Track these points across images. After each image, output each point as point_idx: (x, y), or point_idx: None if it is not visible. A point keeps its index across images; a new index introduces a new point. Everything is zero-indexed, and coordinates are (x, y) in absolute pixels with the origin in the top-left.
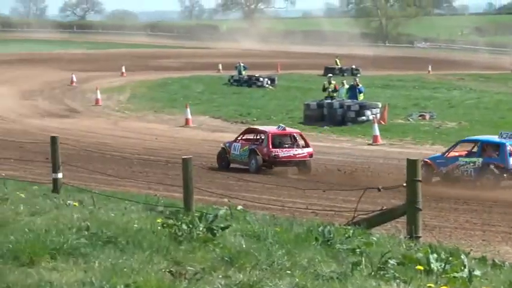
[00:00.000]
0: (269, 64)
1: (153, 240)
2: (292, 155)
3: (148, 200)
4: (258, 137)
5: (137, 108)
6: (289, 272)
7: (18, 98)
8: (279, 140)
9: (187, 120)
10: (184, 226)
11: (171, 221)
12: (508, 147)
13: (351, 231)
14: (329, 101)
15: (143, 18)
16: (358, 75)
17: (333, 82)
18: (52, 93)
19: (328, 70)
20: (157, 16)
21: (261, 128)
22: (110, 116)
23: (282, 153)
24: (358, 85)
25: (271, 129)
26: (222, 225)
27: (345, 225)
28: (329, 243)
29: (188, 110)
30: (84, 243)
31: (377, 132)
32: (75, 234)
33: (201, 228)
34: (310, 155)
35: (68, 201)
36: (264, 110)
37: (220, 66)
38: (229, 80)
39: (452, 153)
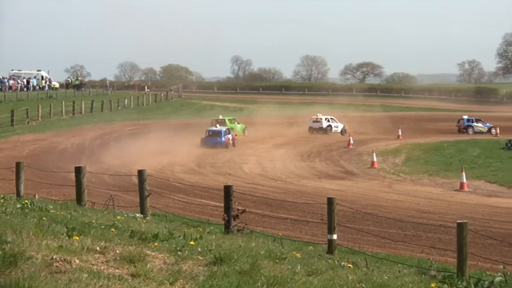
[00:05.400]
0: None
1: None
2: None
3: (421, 263)
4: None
5: (412, 171)
6: None
7: (296, 159)
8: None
9: (462, 184)
10: None
11: (445, 286)
12: None
13: None
14: None
15: (422, 81)
16: None
17: None
18: (329, 155)
19: None
20: (436, 79)
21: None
22: (385, 179)
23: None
24: None
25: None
26: None
27: None
28: None
29: (463, 174)
30: None
31: None
32: None
33: None
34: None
35: (342, 263)
36: None
37: (497, 130)
38: (506, 144)
39: None
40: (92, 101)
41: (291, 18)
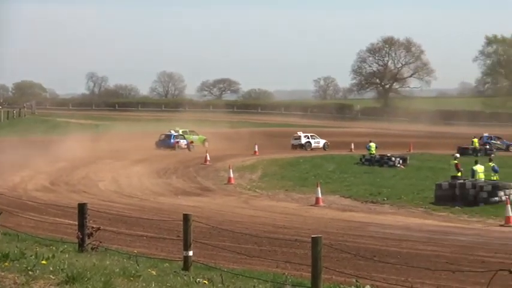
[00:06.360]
0: (401, 143)
1: None
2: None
3: (276, 278)
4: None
5: (268, 186)
6: None
7: (152, 176)
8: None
9: (317, 199)
10: None
11: None
12: None
13: None
14: (461, 181)
15: (279, 97)
16: (492, 155)
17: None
18: (186, 172)
19: (463, 150)
20: (294, 95)
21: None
22: (242, 195)
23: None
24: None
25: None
26: None
27: None
28: None
29: (319, 189)
30: None
31: (510, 213)
32: None
33: None
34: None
35: (198, 279)
36: (395, 189)
37: (352, 146)
38: (360, 159)
39: None
40: None
41: (147, 33)
